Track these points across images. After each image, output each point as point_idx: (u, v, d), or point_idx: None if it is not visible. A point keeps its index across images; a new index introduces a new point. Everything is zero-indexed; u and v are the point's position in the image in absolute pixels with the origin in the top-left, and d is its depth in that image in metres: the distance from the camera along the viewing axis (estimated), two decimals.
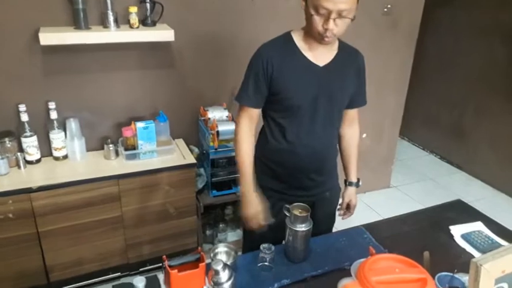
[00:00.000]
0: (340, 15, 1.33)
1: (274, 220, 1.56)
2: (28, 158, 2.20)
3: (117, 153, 2.35)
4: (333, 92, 1.54)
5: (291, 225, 1.39)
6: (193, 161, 2.36)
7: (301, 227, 1.38)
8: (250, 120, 1.55)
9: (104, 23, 2.12)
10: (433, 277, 1.13)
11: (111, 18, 2.09)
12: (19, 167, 2.17)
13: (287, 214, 1.41)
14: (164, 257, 1.26)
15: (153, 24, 2.21)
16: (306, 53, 1.50)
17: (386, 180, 3.68)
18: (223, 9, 2.41)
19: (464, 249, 1.54)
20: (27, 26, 2.04)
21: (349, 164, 1.79)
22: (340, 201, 1.82)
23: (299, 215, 1.38)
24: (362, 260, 1.18)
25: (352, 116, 1.73)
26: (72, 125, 2.24)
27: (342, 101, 1.60)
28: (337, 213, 1.83)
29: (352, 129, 1.76)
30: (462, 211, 1.81)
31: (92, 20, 2.12)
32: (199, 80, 2.53)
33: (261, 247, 1.38)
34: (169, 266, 1.25)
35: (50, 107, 2.17)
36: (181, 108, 2.52)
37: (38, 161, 2.24)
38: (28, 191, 2.02)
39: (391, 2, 2.90)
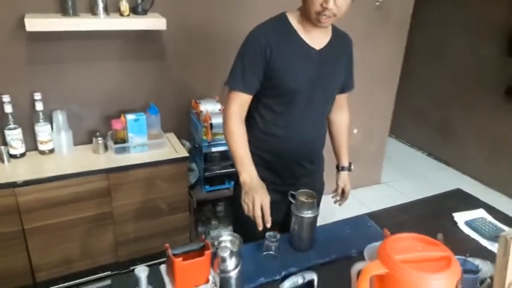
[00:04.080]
0: None
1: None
2: (12, 151, 2.10)
3: (106, 147, 2.26)
4: (328, 76, 1.50)
5: (297, 212, 1.34)
6: (186, 154, 2.29)
7: (308, 214, 1.33)
8: (242, 107, 1.46)
9: (92, 11, 2.04)
10: None
11: (100, 5, 2.01)
12: (2, 161, 2.06)
13: (292, 201, 1.36)
14: (167, 245, 1.19)
15: (144, 12, 2.14)
16: (303, 35, 1.44)
17: (377, 176, 3.68)
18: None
19: (469, 236, 1.52)
20: (11, 12, 1.95)
21: (340, 149, 1.75)
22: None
23: (305, 201, 1.33)
24: (375, 243, 1.14)
25: (341, 101, 1.70)
26: (59, 117, 2.15)
27: (336, 86, 1.57)
28: (332, 200, 1.79)
29: (341, 115, 1.73)
30: (463, 199, 1.79)
31: (80, 8, 2.04)
32: (190, 73, 2.46)
33: (267, 235, 1.32)
34: (173, 255, 1.18)
35: (36, 98, 2.07)
36: (172, 101, 2.45)
37: (23, 155, 2.14)
38: (12, 185, 1.92)
39: None
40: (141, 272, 1.14)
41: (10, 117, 2.05)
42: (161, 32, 2.24)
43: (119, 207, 2.19)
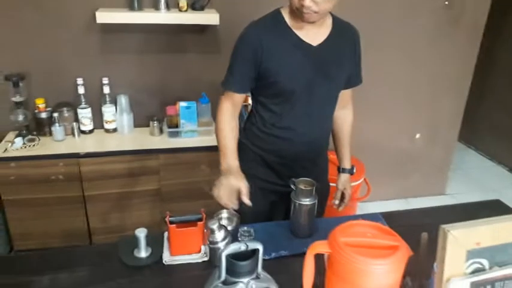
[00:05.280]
0: None
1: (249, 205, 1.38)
2: (82, 128, 2.42)
3: (161, 131, 2.49)
4: (330, 73, 1.43)
5: (295, 199, 1.38)
6: None
7: (306, 201, 1.37)
8: (233, 106, 1.45)
9: (156, 6, 2.27)
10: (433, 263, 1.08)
11: (162, 1, 2.23)
12: (74, 135, 2.39)
13: (293, 188, 1.41)
14: (167, 212, 1.33)
15: (201, 8, 2.32)
16: (298, 31, 1.37)
17: (441, 187, 3.46)
18: None
19: None
20: (88, 6, 2.25)
21: (342, 149, 1.67)
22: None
23: (304, 188, 1.37)
24: None
25: (345, 97, 1.59)
26: (122, 100, 2.42)
27: (339, 83, 1.49)
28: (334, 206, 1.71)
29: (345, 112, 1.63)
30: (498, 211, 1.66)
31: (145, 3, 2.28)
32: None
33: (240, 230, 1.31)
34: (171, 222, 1.31)
35: (104, 82, 2.37)
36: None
37: (91, 131, 2.45)
38: (76, 156, 2.22)
39: None
40: (141, 232, 1.29)
41: (82, 98, 2.37)
42: (216, 27, 2.39)
43: (166, 186, 2.40)
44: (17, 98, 2.25)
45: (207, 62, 2.52)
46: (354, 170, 1.70)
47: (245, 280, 0.90)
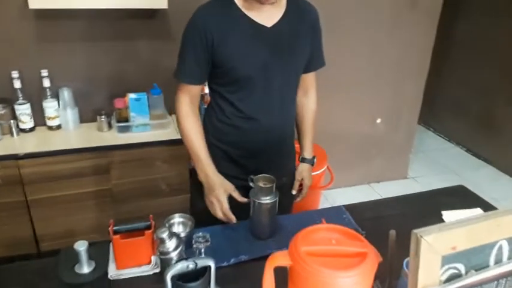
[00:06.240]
0: None
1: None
2: (21, 125, 2.20)
3: (110, 126, 2.31)
4: (287, 55, 1.34)
5: (254, 198, 1.27)
6: None
7: (266, 200, 1.26)
8: (192, 99, 1.37)
9: None
10: (402, 261, 1.00)
11: None
12: (12, 135, 2.17)
13: (252, 186, 1.30)
14: (111, 221, 1.19)
15: None
16: (250, 13, 1.28)
17: (403, 170, 3.47)
18: None
19: None
20: None
21: (303, 138, 1.57)
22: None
23: (263, 186, 1.26)
24: None
25: (307, 81, 1.51)
26: (65, 94, 2.22)
27: (298, 66, 1.40)
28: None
29: (307, 98, 1.54)
30: (463, 197, 1.62)
31: None
32: None
33: (194, 236, 1.20)
34: (116, 232, 1.17)
35: (43, 74, 2.15)
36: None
37: (32, 129, 2.24)
38: (15, 157, 2.01)
39: None
40: (81, 246, 1.14)
41: (19, 92, 2.14)
42: (166, 12, 2.22)
43: (119, 185, 2.23)
44: None
45: (158, 49, 2.35)
46: (315, 161, 1.61)
47: None
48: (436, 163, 3.76)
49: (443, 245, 0.70)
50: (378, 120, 3.10)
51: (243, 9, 1.28)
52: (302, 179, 1.57)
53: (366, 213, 1.49)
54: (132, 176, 2.23)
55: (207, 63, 1.31)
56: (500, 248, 0.77)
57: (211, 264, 0.77)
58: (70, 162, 2.11)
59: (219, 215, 1.33)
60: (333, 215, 1.46)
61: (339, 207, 1.50)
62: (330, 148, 2.77)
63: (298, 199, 1.60)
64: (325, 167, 2.71)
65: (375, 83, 2.96)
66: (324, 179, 2.77)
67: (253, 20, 1.28)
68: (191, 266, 0.76)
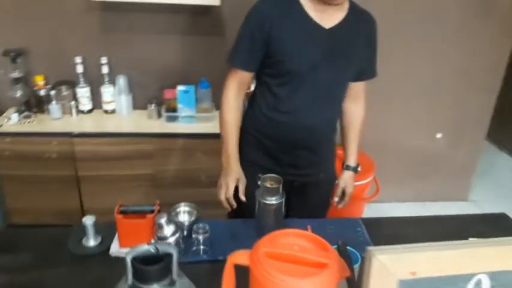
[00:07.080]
0: None
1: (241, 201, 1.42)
2: (81, 107, 2.39)
3: (159, 114, 2.42)
4: (339, 59, 1.35)
5: (260, 198, 1.26)
6: None
7: (271, 200, 1.25)
8: (240, 86, 1.40)
9: None
10: None
11: None
12: (71, 114, 2.36)
13: (259, 184, 1.29)
14: (120, 201, 1.25)
15: None
16: (311, 12, 1.30)
17: (464, 192, 3.19)
18: None
19: None
20: None
21: (348, 145, 1.58)
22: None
23: (269, 186, 1.25)
24: None
25: (357, 90, 1.50)
26: (121, 81, 2.36)
27: (348, 72, 1.40)
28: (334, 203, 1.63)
29: (356, 106, 1.54)
30: (502, 227, 1.47)
31: None
32: None
33: (194, 227, 1.21)
34: (122, 212, 1.23)
35: (103, 62, 2.31)
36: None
37: (90, 111, 2.42)
38: (70, 135, 2.19)
39: None
40: (88, 220, 1.22)
41: (81, 77, 2.33)
42: (219, 8, 2.28)
43: (161, 172, 2.33)
44: (16, 74, 2.24)
45: (209, 45, 2.42)
46: (359, 169, 1.60)
47: (155, 286, 0.79)
48: (504, 188, 3.41)
49: (400, 268, 0.64)
50: (438, 135, 2.89)
51: (305, 7, 1.30)
52: (346, 186, 1.57)
53: (385, 230, 1.40)
54: (172, 164, 2.32)
55: (261, 51, 1.33)
56: (479, 282, 0.69)
57: (174, 252, 0.78)
58: (119, 145, 2.25)
59: (222, 198, 1.42)
60: (347, 226, 1.40)
61: (355, 219, 1.44)
62: (382, 160, 2.65)
63: (339, 206, 1.60)
64: (371, 178, 2.60)
65: (437, 94, 2.77)
66: (370, 191, 2.65)
67: (312, 19, 1.30)
68: (152, 250, 0.78)
